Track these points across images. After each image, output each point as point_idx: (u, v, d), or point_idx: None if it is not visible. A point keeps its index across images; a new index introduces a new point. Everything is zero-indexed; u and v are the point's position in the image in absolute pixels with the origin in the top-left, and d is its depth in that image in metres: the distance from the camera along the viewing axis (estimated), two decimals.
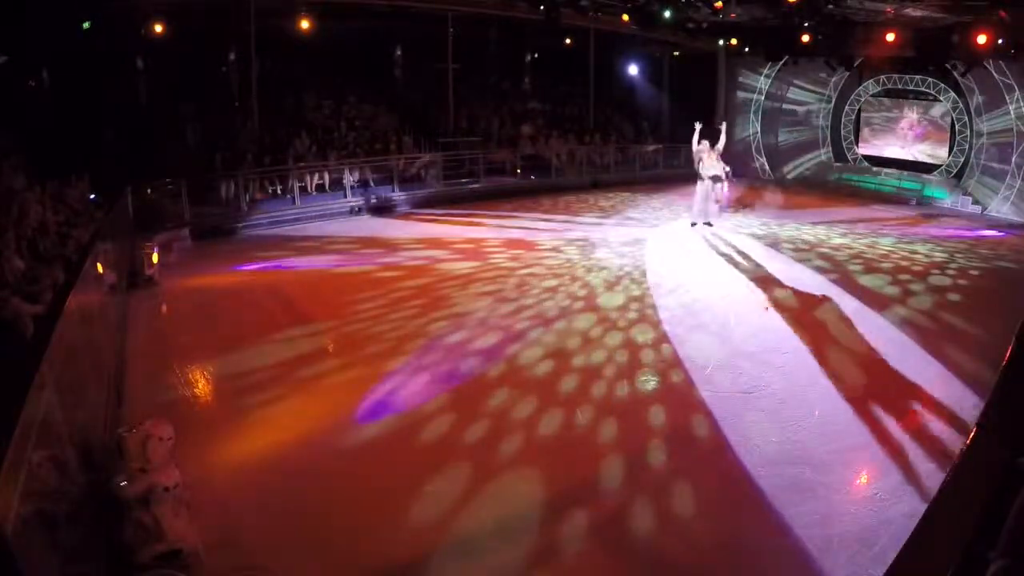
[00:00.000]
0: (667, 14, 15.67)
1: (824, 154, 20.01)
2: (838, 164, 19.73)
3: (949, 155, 17.31)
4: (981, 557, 2.00)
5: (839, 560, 4.15)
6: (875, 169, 18.91)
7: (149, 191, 12.48)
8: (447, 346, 7.59)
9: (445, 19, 17.75)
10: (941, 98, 17.24)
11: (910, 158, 18.21)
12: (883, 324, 8.43)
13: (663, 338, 7.89)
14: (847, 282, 10.22)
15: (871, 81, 18.68)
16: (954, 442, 5.39)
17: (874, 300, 9.37)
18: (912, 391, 6.60)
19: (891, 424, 5.89)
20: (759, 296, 9.53)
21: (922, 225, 14.77)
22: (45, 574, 2.97)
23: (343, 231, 13.47)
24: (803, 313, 8.84)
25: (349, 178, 15.38)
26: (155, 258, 10.05)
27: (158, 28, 14.30)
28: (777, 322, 8.49)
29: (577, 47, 20.96)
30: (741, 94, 21.13)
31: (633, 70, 22.73)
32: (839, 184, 19.26)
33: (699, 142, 13.56)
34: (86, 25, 13.17)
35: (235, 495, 4.85)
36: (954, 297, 9.72)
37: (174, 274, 10.39)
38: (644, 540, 4.45)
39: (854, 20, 15.48)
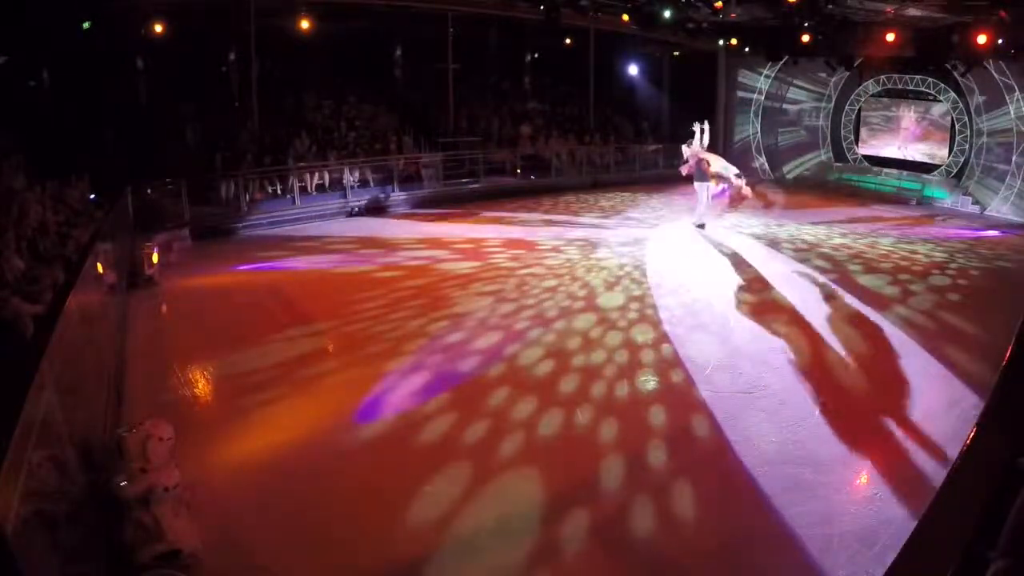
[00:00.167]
0: (667, 14, 15.66)
1: (824, 154, 20.00)
2: (838, 164, 19.72)
3: (949, 155, 17.31)
4: (981, 557, 2.00)
5: (839, 560, 4.15)
6: (875, 169, 18.92)
7: (149, 191, 12.48)
8: (447, 346, 7.59)
9: (445, 19, 17.77)
10: (941, 98, 17.24)
11: (910, 158, 18.21)
12: (883, 324, 8.43)
13: (663, 338, 7.89)
14: (847, 282, 10.22)
15: (871, 81, 18.68)
16: (954, 442, 5.39)
17: (874, 300, 9.36)
18: (912, 391, 6.60)
19: (891, 424, 5.89)
20: (759, 296, 9.53)
21: (929, 226, 14.73)
22: (45, 574, 2.97)
23: (343, 231, 13.47)
24: (803, 313, 8.84)
25: (349, 178, 15.38)
26: (155, 258, 10.05)
27: (158, 28, 14.31)
28: (777, 322, 8.49)
29: (577, 47, 20.96)
30: (741, 94, 21.13)
31: (633, 70, 22.74)
32: (839, 184, 19.25)
33: (690, 144, 13.67)
34: (86, 25, 13.17)
35: (235, 495, 4.85)
36: (954, 297, 9.71)
37: (174, 274, 10.39)
38: (644, 540, 4.45)
39: (854, 20, 15.47)
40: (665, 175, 19.44)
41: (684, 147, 13.88)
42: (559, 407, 6.17)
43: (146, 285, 9.80)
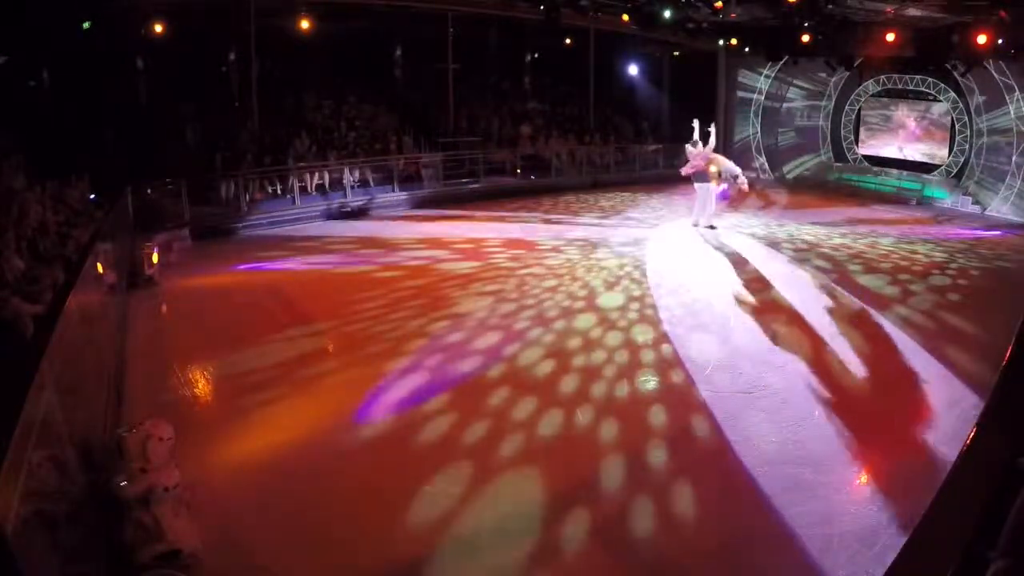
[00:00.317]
0: (667, 14, 15.66)
1: (824, 154, 20.00)
2: (838, 164, 19.72)
3: (949, 155, 17.31)
4: (981, 557, 2.00)
5: (839, 560, 4.15)
6: (875, 169, 18.92)
7: (149, 191, 12.48)
8: (447, 346, 7.59)
9: (445, 19, 17.77)
10: (941, 98, 17.24)
11: (910, 158, 18.21)
12: (883, 324, 8.43)
13: (663, 338, 7.89)
14: (847, 282, 10.22)
15: (871, 81, 18.68)
16: (954, 442, 5.39)
17: (874, 300, 9.36)
18: (912, 391, 6.60)
19: (891, 424, 5.89)
20: (759, 296, 9.53)
21: (929, 226, 14.70)
22: (45, 574, 2.97)
23: (343, 231, 13.47)
24: (803, 313, 8.84)
25: (349, 178, 15.38)
26: (155, 258, 10.05)
27: (158, 28, 14.31)
28: (777, 322, 8.49)
29: (577, 47, 20.96)
30: (741, 94, 21.13)
31: (633, 70, 22.73)
32: (839, 184, 19.25)
33: (694, 144, 13.59)
34: (86, 25, 13.18)
35: (235, 495, 4.85)
36: (954, 297, 9.71)
37: (174, 274, 10.39)
38: (644, 540, 4.45)
39: (854, 20, 15.47)
40: (665, 175, 19.45)
41: (691, 148, 13.60)
42: (559, 407, 6.17)
43: (146, 285, 9.80)
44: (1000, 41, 13.50)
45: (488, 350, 7.49)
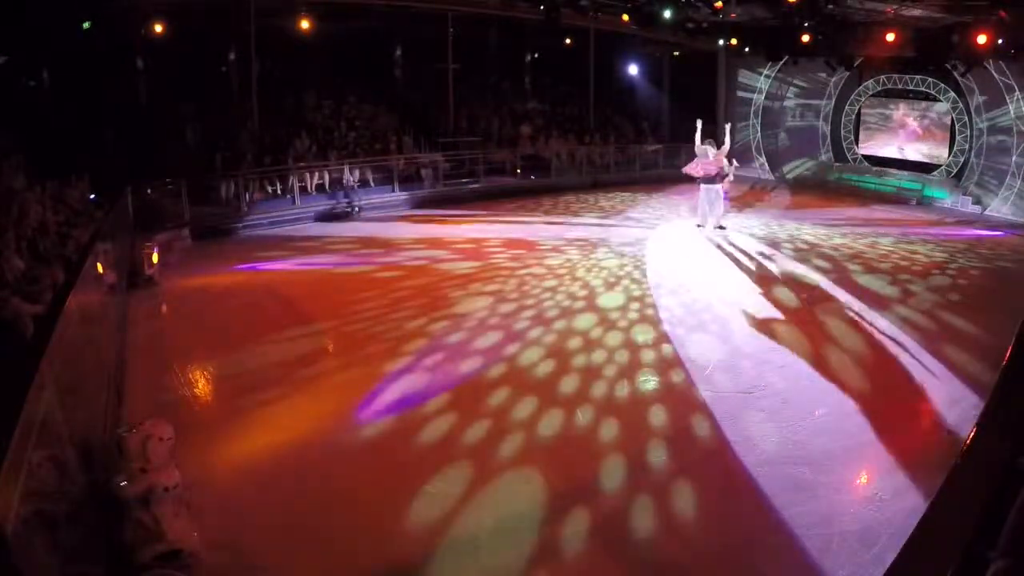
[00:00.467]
0: (667, 14, 15.66)
1: (824, 154, 20.00)
2: (838, 164, 19.72)
3: (949, 155, 17.31)
4: (981, 557, 2.00)
5: (839, 560, 4.15)
6: (875, 169, 18.92)
7: (149, 191, 12.47)
8: (447, 346, 7.59)
9: (445, 19, 17.77)
10: (941, 98, 17.24)
11: (910, 158, 18.21)
12: (883, 324, 8.42)
13: (663, 338, 7.89)
14: (847, 282, 10.22)
15: (871, 81, 18.68)
16: (954, 442, 5.39)
17: (874, 300, 9.36)
18: (912, 391, 6.60)
19: (891, 424, 5.89)
20: (760, 296, 9.53)
21: (929, 226, 14.69)
22: (45, 574, 2.97)
23: (343, 231, 13.47)
24: (803, 313, 8.85)
25: (350, 178, 15.38)
26: (155, 258, 10.04)
27: (158, 28, 14.32)
28: (777, 322, 8.49)
29: (577, 47, 20.97)
30: (741, 94, 21.13)
31: (633, 70, 22.74)
32: (839, 184, 19.25)
33: (702, 142, 13.49)
34: (86, 25, 13.19)
35: (235, 495, 4.85)
36: (954, 297, 9.71)
37: (174, 274, 10.39)
38: (644, 540, 4.45)
39: (854, 20, 15.47)
40: (665, 175, 19.48)
41: (709, 148, 13.28)
42: (559, 407, 6.17)
43: (146, 285, 9.80)
44: (1000, 41, 13.50)
45: (488, 350, 7.49)
